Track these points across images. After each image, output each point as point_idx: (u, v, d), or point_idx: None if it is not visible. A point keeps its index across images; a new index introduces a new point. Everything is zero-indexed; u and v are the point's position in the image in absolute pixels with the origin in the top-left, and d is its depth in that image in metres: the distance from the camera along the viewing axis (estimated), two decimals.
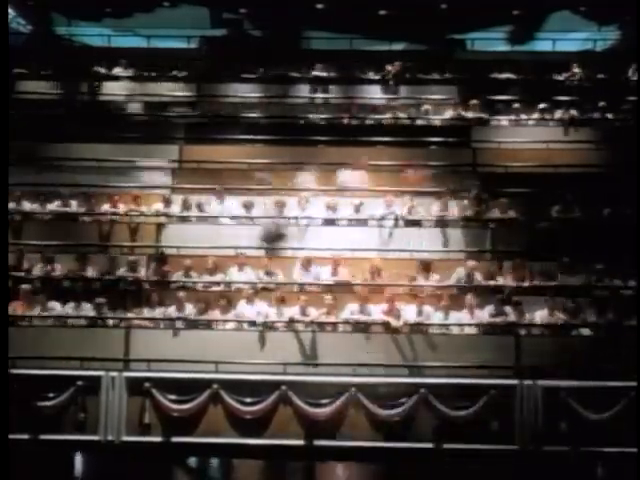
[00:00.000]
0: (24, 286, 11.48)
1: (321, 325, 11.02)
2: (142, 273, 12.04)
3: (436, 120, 15.44)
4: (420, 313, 11.27)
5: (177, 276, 11.91)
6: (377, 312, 11.25)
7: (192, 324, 11.07)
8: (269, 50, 17.81)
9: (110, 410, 10.09)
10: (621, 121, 15.20)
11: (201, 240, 12.48)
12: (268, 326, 10.92)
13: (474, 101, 15.60)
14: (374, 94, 16.56)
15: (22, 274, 11.87)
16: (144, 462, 10.18)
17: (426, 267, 11.91)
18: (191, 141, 14.98)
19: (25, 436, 9.97)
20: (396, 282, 11.78)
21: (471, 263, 11.99)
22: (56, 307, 11.34)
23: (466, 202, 13.30)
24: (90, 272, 11.95)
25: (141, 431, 10.18)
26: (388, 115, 15.68)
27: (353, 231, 12.82)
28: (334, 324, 11.09)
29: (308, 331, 10.91)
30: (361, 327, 11.05)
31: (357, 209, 13.12)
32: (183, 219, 13.14)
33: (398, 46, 18.94)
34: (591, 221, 12.95)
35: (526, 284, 11.82)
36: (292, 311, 11.18)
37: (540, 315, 11.35)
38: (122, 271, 11.96)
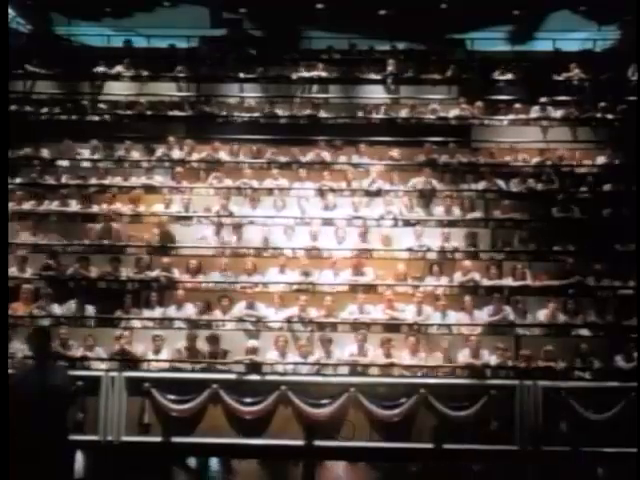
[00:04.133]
0: (25, 286, 11.52)
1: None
2: (176, 274, 12.02)
3: (436, 120, 15.46)
4: (420, 313, 11.32)
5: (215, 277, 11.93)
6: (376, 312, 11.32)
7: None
8: (269, 50, 17.82)
9: (110, 410, 10.08)
10: (621, 121, 15.20)
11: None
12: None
13: (474, 101, 15.61)
14: (374, 94, 16.57)
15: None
16: (144, 462, 10.16)
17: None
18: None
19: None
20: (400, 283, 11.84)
21: (467, 263, 12.00)
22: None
23: (466, 202, 13.34)
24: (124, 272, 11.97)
25: (141, 431, 10.17)
26: (388, 115, 15.68)
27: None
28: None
29: None
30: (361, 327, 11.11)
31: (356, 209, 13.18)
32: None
33: (398, 46, 18.91)
34: (591, 221, 12.97)
35: (526, 284, 11.86)
36: (291, 311, 11.26)
37: (540, 315, 11.37)
38: (157, 272, 11.94)
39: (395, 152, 14.40)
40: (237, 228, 12.80)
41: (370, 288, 11.81)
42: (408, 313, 11.35)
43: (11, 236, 11.95)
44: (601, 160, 14.43)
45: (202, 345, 10.75)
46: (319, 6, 19.22)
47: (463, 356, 10.65)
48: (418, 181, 13.66)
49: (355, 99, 16.46)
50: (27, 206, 13.25)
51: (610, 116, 15.35)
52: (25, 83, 16.45)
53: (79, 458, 10.06)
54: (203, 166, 14.27)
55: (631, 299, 11.41)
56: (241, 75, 16.69)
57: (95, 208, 13.23)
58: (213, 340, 10.69)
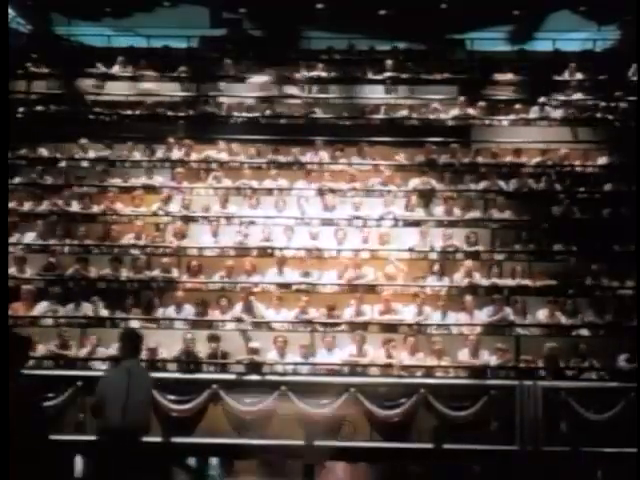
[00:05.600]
0: (25, 287, 11.50)
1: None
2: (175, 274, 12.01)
3: (436, 120, 15.45)
4: (420, 313, 11.30)
5: (217, 277, 11.89)
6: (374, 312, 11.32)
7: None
8: (269, 50, 17.82)
9: None
10: (621, 121, 15.20)
11: None
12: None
13: (474, 101, 15.61)
14: (374, 94, 16.56)
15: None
16: (144, 462, 10.13)
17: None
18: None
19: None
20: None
21: (468, 263, 12.00)
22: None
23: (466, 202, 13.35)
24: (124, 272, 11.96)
25: None
26: (388, 115, 15.67)
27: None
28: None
29: None
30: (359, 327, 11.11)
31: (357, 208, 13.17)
32: None
33: (398, 46, 18.89)
34: (591, 221, 12.97)
35: (526, 284, 11.85)
36: (290, 312, 11.27)
37: (539, 315, 11.37)
38: (157, 272, 11.95)
39: (400, 155, 14.35)
40: (238, 228, 12.80)
41: (370, 288, 11.80)
42: (407, 313, 11.34)
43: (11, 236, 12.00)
44: (601, 160, 14.43)
45: (201, 346, 10.73)
46: (319, 6, 19.22)
47: (463, 356, 10.65)
48: (418, 181, 13.66)
49: (355, 99, 16.46)
50: (27, 206, 13.24)
51: (610, 116, 15.35)
52: (26, 83, 16.45)
53: (78, 459, 10.11)
54: (203, 166, 14.27)
55: (630, 299, 11.42)
56: (241, 75, 16.70)
57: (95, 208, 13.23)
58: (214, 340, 10.68)
